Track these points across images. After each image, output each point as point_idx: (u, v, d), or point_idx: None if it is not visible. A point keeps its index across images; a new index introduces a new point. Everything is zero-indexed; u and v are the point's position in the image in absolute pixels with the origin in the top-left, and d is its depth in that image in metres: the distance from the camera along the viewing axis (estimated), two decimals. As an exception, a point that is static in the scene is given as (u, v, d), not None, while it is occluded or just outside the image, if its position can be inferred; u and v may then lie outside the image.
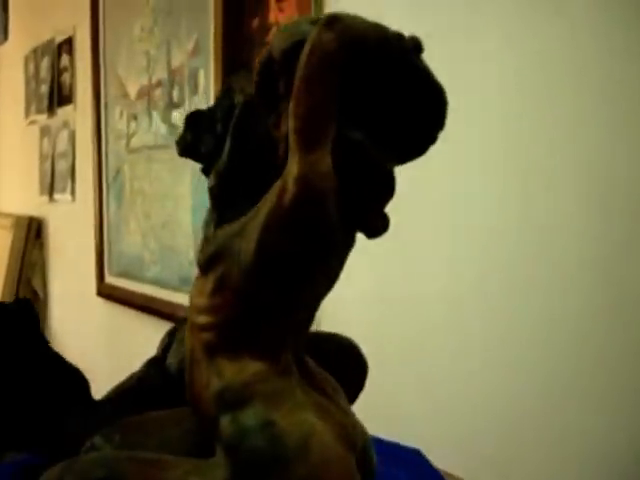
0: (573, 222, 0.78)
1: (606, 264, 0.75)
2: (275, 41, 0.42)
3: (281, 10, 1.20)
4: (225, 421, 0.41)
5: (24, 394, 0.50)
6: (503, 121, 0.86)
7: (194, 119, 0.46)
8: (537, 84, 0.82)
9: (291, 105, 0.40)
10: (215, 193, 0.46)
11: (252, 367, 0.42)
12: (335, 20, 0.39)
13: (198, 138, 0.45)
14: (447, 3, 0.93)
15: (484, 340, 0.88)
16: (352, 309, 1.06)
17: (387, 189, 0.43)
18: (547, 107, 0.81)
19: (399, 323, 1.00)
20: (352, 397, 0.50)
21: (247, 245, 0.41)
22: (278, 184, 0.40)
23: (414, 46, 0.42)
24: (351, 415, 0.44)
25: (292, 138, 0.40)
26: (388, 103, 0.43)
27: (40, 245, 2.51)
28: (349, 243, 0.44)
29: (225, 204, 0.45)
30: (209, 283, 0.43)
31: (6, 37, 2.90)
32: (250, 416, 0.40)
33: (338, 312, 1.01)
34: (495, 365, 0.87)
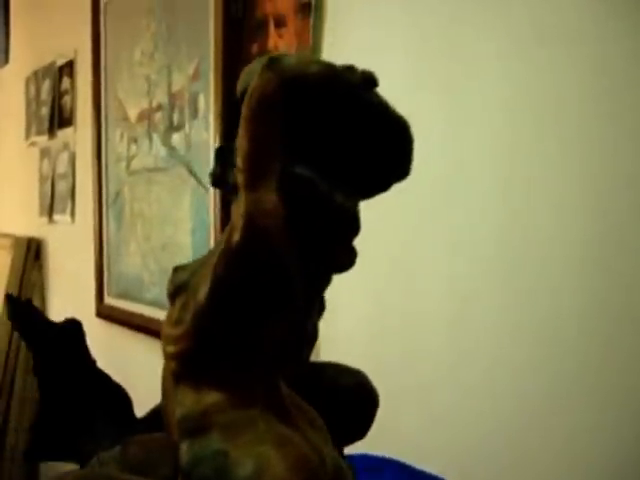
0: (573, 230, 0.79)
1: (606, 270, 0.76)
2: (237, 83, 0.43)
3: (280, 36, 1.22)
4: (182, 448, 0.42)
5: (70, 409, 0.52)
6: (503, 136, 0.87)
7: (221, 152, 0.47)
8: (536, 104, 0.84)
9: (237, 145, 0.41)
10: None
11: (211, 397, 0.42)
12: (275, 61, 0.40)
13: (224, 171, 0.46)
14: (443, 25, 0.95)
15: (483, 353, 0.89)
16: (350, 325, 1.07)
17: (347, 225, 0.43)
18: (549, 121, 0.83)
19: (398, 338, 1.01)
20: (361, 432, 0.50)
21: (202, 282, 0.42)
22: (230, 223, 0.41)
23: (364, 81, 0.43)
24: (325, 449, 0.44)
25: (239, 177, 0.41)
26: (344, 139, 0.43)
27: (39, 266, 2.51)
28: (319, 277, 0.44)
29: None
30: (174, 313, 0.44)
31: (7, 59, 2.93)
32: (203, 445, 0.41)
33: (338, 326, 1.02)
34: (495, 377, 0.87)
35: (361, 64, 1.17)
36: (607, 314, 0.76)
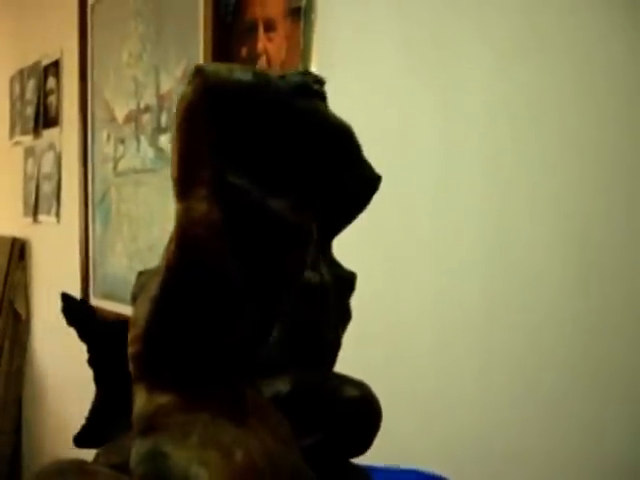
0: (567, 234, 0.81)
1: (587, 280, 0.78)
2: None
3: (270, 40, 1.23)
4: (133, 447, 0.43)
5: (122, 400, 0.54)
6: (492, 142, 0.89)
7: None
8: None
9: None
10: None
11: (161, 399, 0.44)
12: (198, 71, 0.40)
13: None
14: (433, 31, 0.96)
15: (472, 359, 0.90)
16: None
17: (290, 235, 0.43)
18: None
19: (384, 342, 1.02)
20: (364, 445, 0.51)
21: (152, 286, 0.43)
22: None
23: (296, 87, 0.42)
24: (284, 457, 0.45)
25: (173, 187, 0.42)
26: (282, 148, 0.43)
27: (23, 266, 2.49)
28: (273, 285, 0.44)
29: None
30: (133, 315, 0.45)
31: (-9, 58, 2.90)
32: (148, 445, 0.42)
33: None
34: (485, 382, 0.89)
35: (351, 68, 1.18)
36: (601, 316, 0.78)
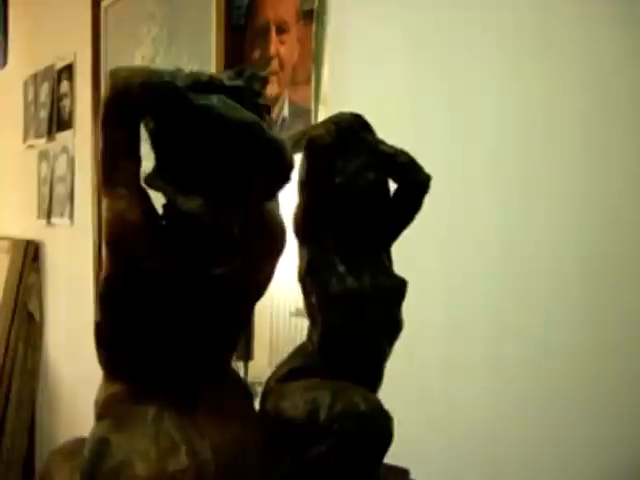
0: (574, 234, 0.80)
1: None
2: None
3: (282, 43, 1.23)
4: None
5: None
6: (503, 143, 0.89)
7: None
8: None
9: None
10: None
11: (113, 388, 0.47)
12: (112, 73, 0.43)
13: None
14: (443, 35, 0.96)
15: (481, 362, 0.90)
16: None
17: (207, 235, 0.43)
18: (557, 130, 0.84)
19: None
20: (371, 463, 0.50)
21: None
22: None
23: (195, 85, 0.43)
24: (231, 456, 0.46)
25: None
26: (188, 147, 0.44)
27: (37, 268, 2.51)
28: (209, 283, 0.44)
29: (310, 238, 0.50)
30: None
31: (5, 62, 2.92)
32: (97, 430, 0.46)
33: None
34: (492, 384, 0.88)
35: (363, 70, 1.18)
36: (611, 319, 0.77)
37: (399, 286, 0.55)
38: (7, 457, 2.34)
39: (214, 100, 0.43)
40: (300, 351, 0.56)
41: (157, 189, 0.43)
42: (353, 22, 1.08)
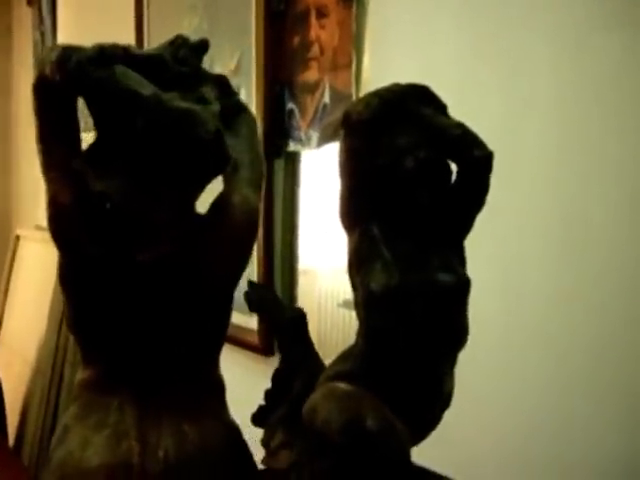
0: (625, 230, 0.76)
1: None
2: None
3: (322, 27, 1.21)
4: None
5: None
6: (555, 132, 0.85)
7: None
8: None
9: None
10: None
11: (84, 373, 0.48)
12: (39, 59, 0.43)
13: None
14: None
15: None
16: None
17: (124, 217, 0.43)
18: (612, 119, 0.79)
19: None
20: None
21: None
22: None
23: (98, 56, 0.42)
24: (183, 459, 0.45)
25: None
26: (102, 125, 0.44)
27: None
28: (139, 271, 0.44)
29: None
30: None
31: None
32: (65, 414, 0.48)
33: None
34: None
35: (406, 54, 1.15)
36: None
37: (459, 285, 0.47)
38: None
39: (115, 71, 0.42)
40: (349, 352, 0.51)
41: (77, 170, 0.43)
42: (396, 3, 1.05)
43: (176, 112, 0.42)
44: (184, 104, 0.42)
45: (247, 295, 0.59)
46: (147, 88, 0.41)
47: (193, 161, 0.44)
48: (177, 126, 0.43)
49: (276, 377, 0.58)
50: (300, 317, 0.58)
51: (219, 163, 0.45)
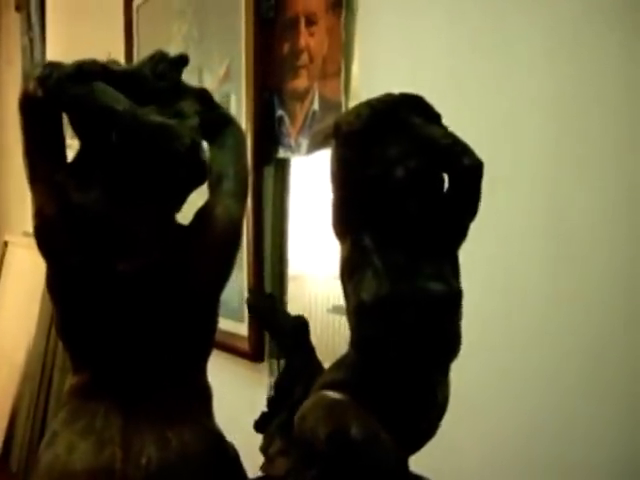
0: (617, 229, 0.77)
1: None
2: None
3: (311, 35, 1.22)
4: None
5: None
6: (549, 133, 0.85)
7: None
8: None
9: None
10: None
11: (74, 379, 0.49)
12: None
13: None
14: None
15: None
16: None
17: (103, 226, 0.44)
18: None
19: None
20: None
21: None
22: None
23: (76, 73, 0.43)
24: (165, 467, 0.46)
25: None
26: (82, 139, 0.45)
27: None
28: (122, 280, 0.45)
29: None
30: None
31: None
32: (54, 420, 0.49)
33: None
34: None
35: (395, 62, 1.15)
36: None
37: (450, 294, 0.47)
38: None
39: (93, 88, 0.43)
40: (342, 361, 0.51)
41: (60, 183, 0.44)
42: (384, 11, 1.06)
43: (150, 126, 0.43)
44: (158, 118, 0.43)
45: (249, 302, 0.60)
46: (122, 103, 0.42)
47: (170, 174, 0.44)
48: (152, 140, 0.43)
49: (278, 384, 0.59)
50: (302, 325, 0.59)
51: (196, 175, 0.46)
